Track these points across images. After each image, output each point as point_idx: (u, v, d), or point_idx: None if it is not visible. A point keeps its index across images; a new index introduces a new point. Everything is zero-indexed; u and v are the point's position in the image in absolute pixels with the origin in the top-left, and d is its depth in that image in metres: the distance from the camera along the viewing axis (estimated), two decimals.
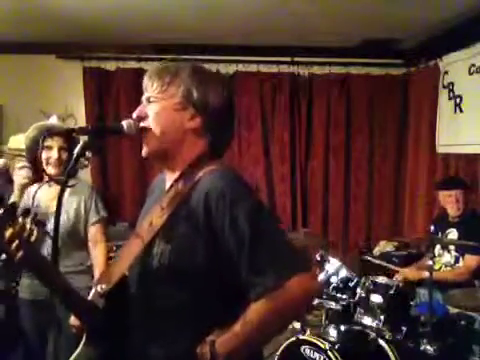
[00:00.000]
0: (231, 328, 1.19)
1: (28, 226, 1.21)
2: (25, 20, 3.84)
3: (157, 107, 1.32)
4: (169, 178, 1.38)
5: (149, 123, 1.32)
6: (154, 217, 1.31)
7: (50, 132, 2.46)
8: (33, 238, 1.22)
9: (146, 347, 1.30)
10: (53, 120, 2.88)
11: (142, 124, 1.33)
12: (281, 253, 1.20)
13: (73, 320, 1.40)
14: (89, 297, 1.35)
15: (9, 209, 1.18)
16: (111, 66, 4.60)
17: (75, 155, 1.27)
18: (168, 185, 1.36)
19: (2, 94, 4.32)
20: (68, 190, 2.28)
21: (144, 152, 1.34)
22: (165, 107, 1.31)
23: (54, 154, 2.34)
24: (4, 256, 1.21)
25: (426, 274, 2.96)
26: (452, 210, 3.40)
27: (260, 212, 1.24)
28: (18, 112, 4.23)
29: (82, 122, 4.44)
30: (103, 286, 1.33)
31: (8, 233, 1.18)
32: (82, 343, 1.36)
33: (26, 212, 1.22)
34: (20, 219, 1.20)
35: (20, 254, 1.20)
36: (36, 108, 4.13)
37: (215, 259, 1.23)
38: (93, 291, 1.35)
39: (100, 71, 4.59)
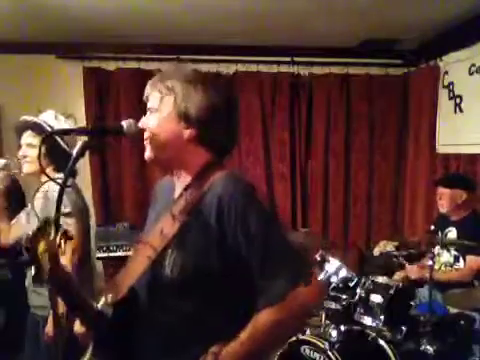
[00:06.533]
0: (236, 338, 1.19)
1: (58, 239, 1.16)
2: (25, 20, 3.83)
3: (155, 118, 1.33)
4: (178, 185, 1.37)
5: (150, 134, 1.33)
6: (165, 226, 1.30)
7: (54, 131, 2.42)
8: (61, 251, 1.17)
9: (154, 358, 1.30)
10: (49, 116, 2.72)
11: (146, 134, 1.34)
12: (289, 260, 1.22)
13: (78, 328, 1.38)
14: (98, 306, 1.34)
15: (45, 222, 1.14)
16: (111, 66, 4.59)
17: (75, 155, 1.27)
18: (178, 193, 1.36)
19: (2, 94, 4.30)
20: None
21: (147, 157, 1.35)
22: (162, 119, 1.33)
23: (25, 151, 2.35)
24: (34, 270, 1.15)
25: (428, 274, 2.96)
26: (440, 207, 3.47)
27: (271, 219, 1.25)
28: (18, 112, 4.19)
29: (82, 122, 4.43)
30: (112, 295, 1.32)
31: (41, 247, 1.13)
32: (89, 353, 1.35)
33: (57, 224, 1.17)
34: (52, 232, 1.16)
35: (49, 268, 1.14)
36: (36, 108, 4.11)
37: (227, 268, 1.23)
38: (102, 301, 1.34)
39: (100, 71, 4.58)
